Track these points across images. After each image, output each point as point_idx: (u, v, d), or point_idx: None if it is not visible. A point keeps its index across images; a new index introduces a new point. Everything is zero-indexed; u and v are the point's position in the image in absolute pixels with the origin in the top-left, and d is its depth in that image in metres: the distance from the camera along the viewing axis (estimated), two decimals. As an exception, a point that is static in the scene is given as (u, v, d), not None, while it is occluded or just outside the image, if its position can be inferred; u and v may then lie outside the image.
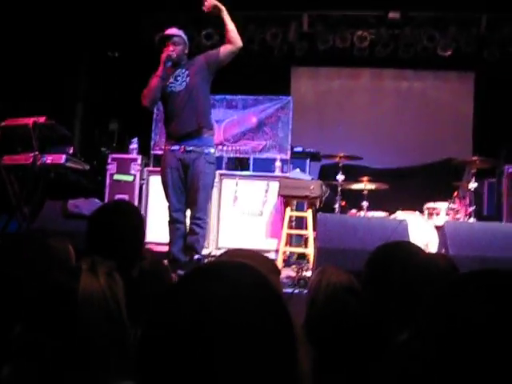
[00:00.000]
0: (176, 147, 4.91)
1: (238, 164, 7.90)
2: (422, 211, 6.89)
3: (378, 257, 1.95)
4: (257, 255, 2.01)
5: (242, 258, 1.86)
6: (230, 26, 4.91)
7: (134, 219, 2.50)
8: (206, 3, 4.87)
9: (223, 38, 9.05)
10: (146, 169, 7.42)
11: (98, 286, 1.40)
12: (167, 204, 4.99)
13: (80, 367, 1.30)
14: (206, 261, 6.48)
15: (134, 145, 7.52)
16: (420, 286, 1.66)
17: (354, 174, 7.47)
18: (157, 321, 0.91)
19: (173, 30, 5.09)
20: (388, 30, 8.83)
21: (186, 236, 4.93)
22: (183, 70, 4.99)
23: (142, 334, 0.92)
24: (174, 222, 4.97)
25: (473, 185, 6.65)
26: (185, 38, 5.14)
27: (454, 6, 8.25)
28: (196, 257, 4.87)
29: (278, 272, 1.99)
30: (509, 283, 0.91)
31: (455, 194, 7.24)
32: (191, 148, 4.87)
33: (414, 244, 2.11)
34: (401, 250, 1.95)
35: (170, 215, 4.98)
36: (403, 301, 1.69)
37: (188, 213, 5.00)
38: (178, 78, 4.95)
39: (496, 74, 8.79)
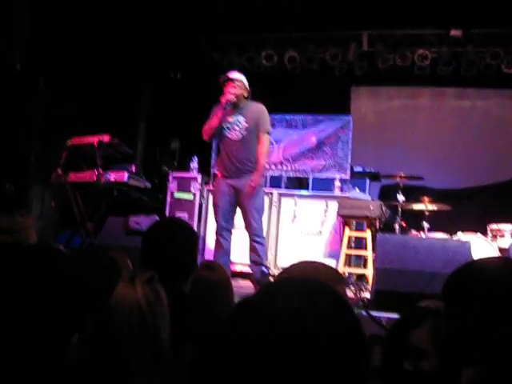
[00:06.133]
0: (226, 174, 5.53)
1: (298, 183, 7.90)
2: (484, 233, 6.71)
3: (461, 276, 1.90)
4: (321, 266, 2.03)
5: (306, 270, 1.87)
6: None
7: (188, 236, 2.54)
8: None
9: (283, 59, 9.17)
10: (205, 187, 7.52)
11: (133, 295, 1.43)
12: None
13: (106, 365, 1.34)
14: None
15: (195, 164, 7.64)
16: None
17: (414, 194, 7.36)
18: (230, 333, 0.92)
19: (235, 74, 5.52)
20: (450, 48, 8.68)
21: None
22: (241, 118, 5.46)
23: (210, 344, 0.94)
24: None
25: (540, 205, 6.46)
26: (246, 83, 5.51)
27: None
28: (263, 269, 5.41)
29: (344, 281, 1.98)
30: None
31: (521, 215, 7.04)
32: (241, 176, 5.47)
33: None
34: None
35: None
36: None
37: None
38: (236, 127, 5.45)
39: None
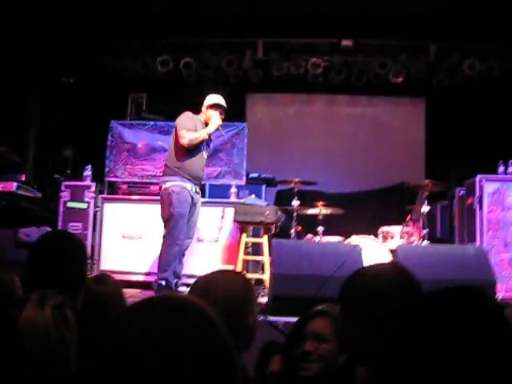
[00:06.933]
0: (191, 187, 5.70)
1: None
2: (376, 235, 6.97)
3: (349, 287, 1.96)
4: (233, 275, 2.09)
5: (218, 280, 1.92)
6: None
7: (76, 249, 2.46)
8: None
9: (178, 64, 9.09)
10: (100, 196, 7.33)
11: (43, 319, 1.39)
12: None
13: None
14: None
15: (88, 172, 7.42)
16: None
17: (309, 199, 7.53)
18: (105, 351, 0.91)
19: (224, 102, 5.88)
20: (341, 57, 8.98)
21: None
22: (211, 142, 6.02)
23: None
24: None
25: (425, 208, 6.76)
26: None
27: (405, 35, 8.46)
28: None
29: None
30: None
31: (409, 217, 7.37)
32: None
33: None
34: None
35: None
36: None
37: None
38: (207, 148, 5.96)
39: (445, 99, 9.01)
